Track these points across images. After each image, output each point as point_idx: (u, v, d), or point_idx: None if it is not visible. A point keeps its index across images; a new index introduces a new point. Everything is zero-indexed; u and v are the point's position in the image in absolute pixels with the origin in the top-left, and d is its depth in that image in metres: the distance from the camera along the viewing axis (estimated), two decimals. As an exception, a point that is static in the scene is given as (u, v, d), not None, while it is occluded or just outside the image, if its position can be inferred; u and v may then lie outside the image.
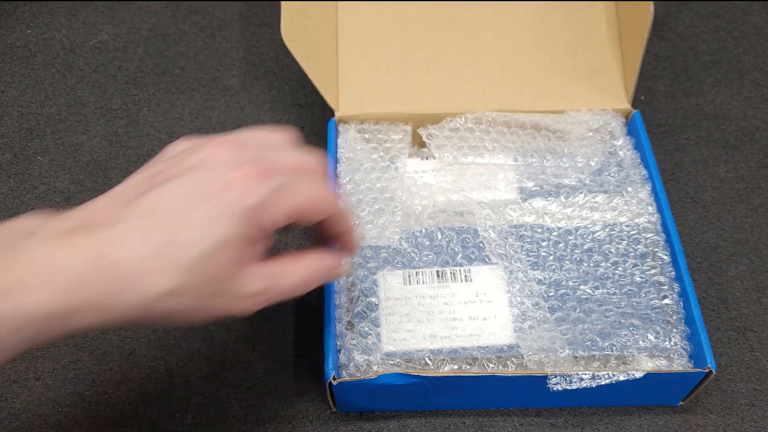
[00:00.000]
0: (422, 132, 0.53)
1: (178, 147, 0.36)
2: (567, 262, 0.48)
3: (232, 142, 0.35)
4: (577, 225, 0.50)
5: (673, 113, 0.62)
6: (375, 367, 0.44)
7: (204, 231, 0.32)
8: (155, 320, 0.32)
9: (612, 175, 0.53)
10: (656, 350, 0.45)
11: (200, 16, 0.69)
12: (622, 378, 0.42)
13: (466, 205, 0.51)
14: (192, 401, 0.47)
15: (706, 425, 0.46)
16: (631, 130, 0.55)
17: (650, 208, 0.51)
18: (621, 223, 0.50)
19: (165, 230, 0.31)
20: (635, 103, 0.62)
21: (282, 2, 0.53)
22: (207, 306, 0.33)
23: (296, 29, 0.53)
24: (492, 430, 0.46)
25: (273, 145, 0.37)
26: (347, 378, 0.43)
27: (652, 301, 0.47)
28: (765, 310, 0.51)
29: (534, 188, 0.52)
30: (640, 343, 0.45)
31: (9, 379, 0.48)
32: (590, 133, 0.54)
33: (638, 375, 0.42)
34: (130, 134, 0.61)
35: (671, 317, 0.46)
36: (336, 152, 0.54)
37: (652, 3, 0.51)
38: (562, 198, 0.52)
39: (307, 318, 0.51)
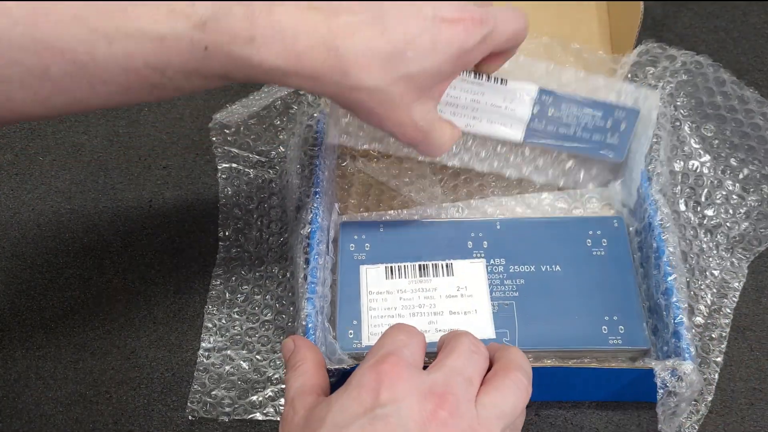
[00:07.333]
0: None
1: None
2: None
3: None
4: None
5: (672, 113, 0.63)
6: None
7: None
8: (344, 103, 0.37)
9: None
10: (626, 345, 0.46)
11: (201, 17, 0.69)
12: (592, 366, 0.43)
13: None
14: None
15: (705, 424, 0.47)
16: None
17: (633, 203, 0.51)
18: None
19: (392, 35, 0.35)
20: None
21: None
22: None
23: None
24: (492, 430, 0.46)
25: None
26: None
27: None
28: (764, 309, 0.51)
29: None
30: (610, 340, 0.46)
31: (11, 378, 0.49)
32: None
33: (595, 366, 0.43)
34: (131, 134, 0.61)
35: (642, 314, 0.47)
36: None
37: (642, 3, 0.51)
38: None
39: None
